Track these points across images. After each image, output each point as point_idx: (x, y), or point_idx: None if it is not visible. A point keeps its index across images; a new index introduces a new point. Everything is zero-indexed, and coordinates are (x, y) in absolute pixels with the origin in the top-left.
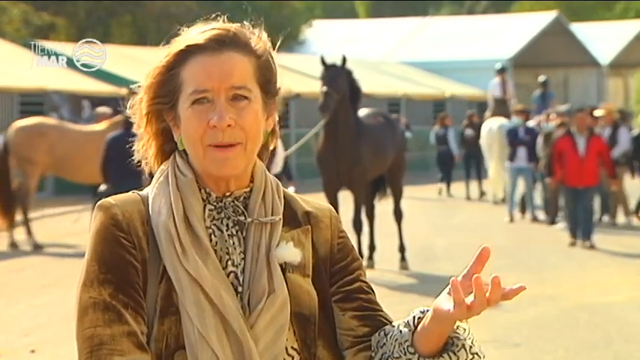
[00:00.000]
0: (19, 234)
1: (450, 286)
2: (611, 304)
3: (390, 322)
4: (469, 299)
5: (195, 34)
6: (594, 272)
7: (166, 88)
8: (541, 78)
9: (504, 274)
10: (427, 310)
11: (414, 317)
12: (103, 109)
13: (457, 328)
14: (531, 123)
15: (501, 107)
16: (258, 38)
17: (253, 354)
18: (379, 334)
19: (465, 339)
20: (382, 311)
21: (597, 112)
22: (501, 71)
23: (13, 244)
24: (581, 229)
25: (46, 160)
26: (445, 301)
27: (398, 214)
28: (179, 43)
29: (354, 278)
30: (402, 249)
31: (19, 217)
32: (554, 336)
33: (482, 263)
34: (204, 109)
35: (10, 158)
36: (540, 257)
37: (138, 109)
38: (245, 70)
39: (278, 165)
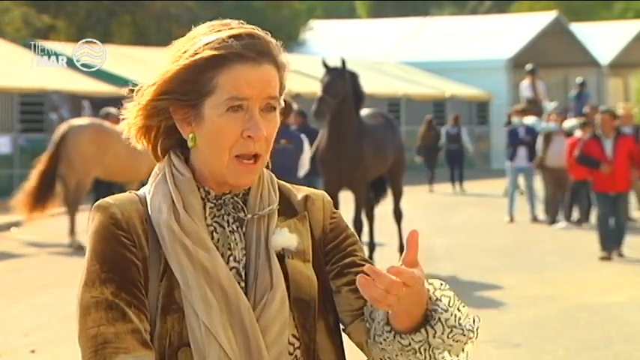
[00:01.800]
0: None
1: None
2: (611, 304)
3: None
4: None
5: (227, 38)
6: (594, 272)
7: (190, 88)
8: (578, 79)
9: (504, 274)
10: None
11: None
12: (111, 110)
13: (438, 300)
14: (569, 123)
15: (533, 107)
16: (280, 49)
17: (262, 348)
18: (370, 306)
19: (444, 311)
20: None
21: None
22: (531, 72)
23: (74, 244)
24: (614, 236)
25: (104, 161)
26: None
27: (398, 214)
28: (211, 45)
29: (346, 254)
30: (401, 249)
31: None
32: (554, 336)
33: (413, 247)
34: (238, 116)
35: (65, 157)
36: (540, 257)
37: (141, 100)
38: (277, 82)
39: (305, 167)
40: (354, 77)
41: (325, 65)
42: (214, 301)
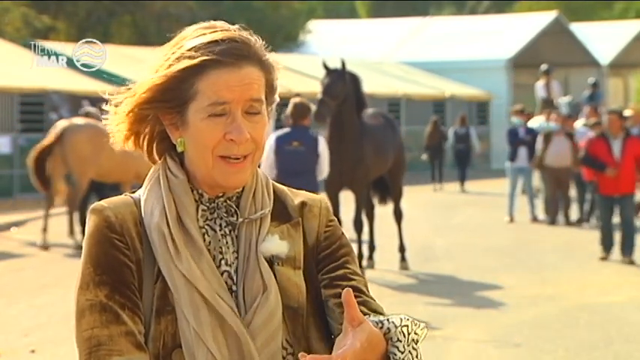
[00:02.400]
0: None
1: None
2: (611, 304)
3: (374, 310)
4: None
5: (206, 44)
6: (594, 272)
7: (172, 95)
8: (590, 80)
9: (504, 274)
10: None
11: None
12: (91, 108)
13: (397, 341)
14: (580, 122)
15: (547, 107)
16: (267, 52)
17: (253, 353)
18: None
19: (400, 353)
20: (362, 297)
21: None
22: (546, 73)
23: (45, 246)
24: (622, 242)
25: (99, 162)
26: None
27: (398, 215)
28: (191, 54)
29: (339, 265)
30: (402, 249)
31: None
32: (554, 336)
33: (350, 306)
34: (220, 121)
35: (62, 156)
36: (540, 257)
37: (122, 109)
38: (261, 83)
39: (325, 171)
40: (355, 79)
41: (325, 67)
42: (202, 304)
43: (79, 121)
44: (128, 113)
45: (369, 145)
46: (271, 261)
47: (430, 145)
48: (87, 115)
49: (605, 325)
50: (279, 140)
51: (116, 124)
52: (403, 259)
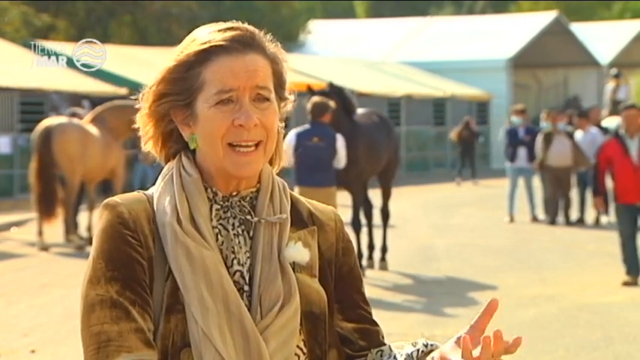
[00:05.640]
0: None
1: (457, 336)
2: (611, 304)
3: (385, 343)
4: (475, 352)
5: (212, 33)
6: (594, 272)
7: (182, 86)
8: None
9: (504, 274)
10: (431, 345)
11: (418, 350)
12: (78, 109)
13: None
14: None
15: (617, 108)
16: (273, 44)
17: (262, 351)
18: (376, 354)
19: None
20: (379, 326)
21: None
22: (616, 77)
23: (44, 247)
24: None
25: (84, 161)
26: (453, 352)
27: (385, 214)
28: (197, 42)
29: (358, 287)
30: (384, 249)
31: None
32: (554, 336)
33: (490, 314)
34: (228, 109)
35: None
36: (540, 257)
37: (145, 105)
38: (267, 72)
39: (341, 162)
40: (339, 91)
41: (310, 90)
42: (211, 303)
43: (62, 120)
44: (150, 108)
45: (361, 145)
46: (292, 268)
47: (461, 142)
48: (73, 115)
49: (605, 325)
50: (300, 136)
51: (144, 125)
52: (383, 259)
